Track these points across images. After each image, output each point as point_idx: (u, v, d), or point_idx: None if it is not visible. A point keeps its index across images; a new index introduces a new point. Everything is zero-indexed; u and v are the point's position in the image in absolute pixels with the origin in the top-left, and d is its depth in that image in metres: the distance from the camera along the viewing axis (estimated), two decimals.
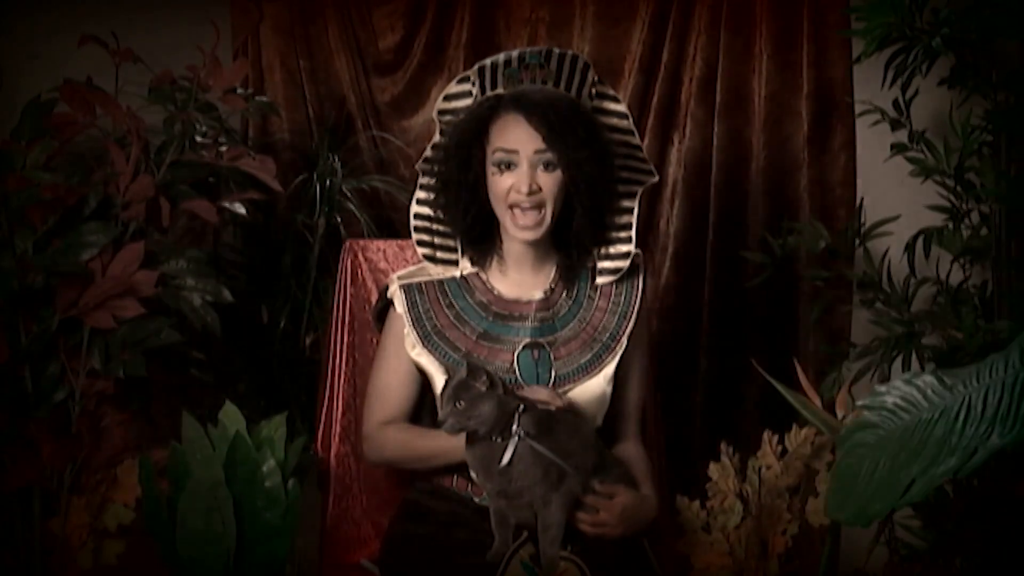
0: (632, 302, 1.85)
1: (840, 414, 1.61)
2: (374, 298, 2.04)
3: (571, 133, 1.71)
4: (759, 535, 1.66)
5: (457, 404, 1.60)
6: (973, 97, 2.15)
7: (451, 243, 1.85)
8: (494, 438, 1.62)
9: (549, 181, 1.73)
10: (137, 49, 1.96)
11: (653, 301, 2.54)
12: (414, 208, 1.85)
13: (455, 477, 1.80)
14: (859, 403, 1.21)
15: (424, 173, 1.84)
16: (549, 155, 1.72)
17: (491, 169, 1.75)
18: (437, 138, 1.81)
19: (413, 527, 1.78)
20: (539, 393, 1.70)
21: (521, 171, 1.72)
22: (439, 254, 1.85)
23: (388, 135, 2.58)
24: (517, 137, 1.72)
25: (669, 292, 2.57)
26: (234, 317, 2.12)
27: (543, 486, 1.62)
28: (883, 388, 1.19)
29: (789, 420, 1.69)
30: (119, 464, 1.81)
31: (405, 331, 1.82)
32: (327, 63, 2.58)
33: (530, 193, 1.72)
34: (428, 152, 1.83)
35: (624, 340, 1.82)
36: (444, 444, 1.69)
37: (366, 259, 2.09)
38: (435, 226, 1.84)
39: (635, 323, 1.84)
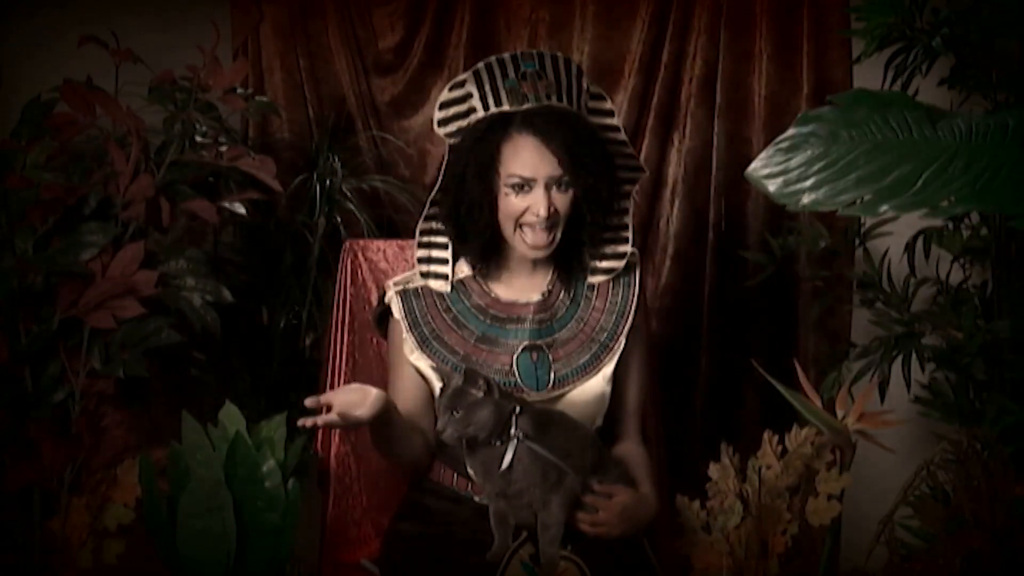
0: (629, 301, 1.85)
1: (840, 414, 1.61)
2: (374, 298, 2.04)
3: (586, 156, 1.71)
4: (759, 535, 1.66)
5: (454, 412, 1.60)
6: (973, 97, 2.15)
7: (444, 255, 1.84)
8: (493, 442, 1.62)
9: (563, 201, 1.74)
10: (137, 49, 1.96)
11: (653, 301, 2.54)
12: (421, 225, 1.84)
13: (455, 476, 1.80)
14: (829, 97, 1.15)
15: (439, 192, 1.82)
16: (565, 178, 1.72)
17: (504, 190, 1.74)
18: (447, 156, 1.79)
19: (413, 527, 1.78)
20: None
21: (537, 195, 1.72)
22: (433, 268, 1.84)
23: (388, 135, 2.58)
24: (534, 163, 1.71)
25: (669, 292, 2.57)
26: (234, 317, 2.12)
27: (543, 487, 1.62)
28: (865, 91, 1.13)
29: (789, 420, 1.69)
30: (119, 464, 1.81)
31: (403, 336, 1.82)
32: (327, 63, 2.58)
33: (548, 216, 1.72)
34: (442, 172, 1.80)
35: (622, 339, 1.82)
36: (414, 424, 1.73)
37: (366, 259, 2.09)
38: (435, 239, 1.84)
39: (633, 322, 1.84)
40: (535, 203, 1.72)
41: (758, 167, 1.13)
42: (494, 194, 1.75)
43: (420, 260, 1.84)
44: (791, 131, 1.14)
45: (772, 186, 1.11)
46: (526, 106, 1.71)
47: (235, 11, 2.53)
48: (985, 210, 1.06)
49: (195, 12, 2.38)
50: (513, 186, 1.73)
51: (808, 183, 1.09)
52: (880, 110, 1.13)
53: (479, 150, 1.73)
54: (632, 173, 1.85)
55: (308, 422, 1.57)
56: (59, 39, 2.12)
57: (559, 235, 1.76)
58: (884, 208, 1.04)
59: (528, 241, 1.75)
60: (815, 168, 1.09)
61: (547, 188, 1.72)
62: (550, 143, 1.70)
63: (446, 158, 1.80)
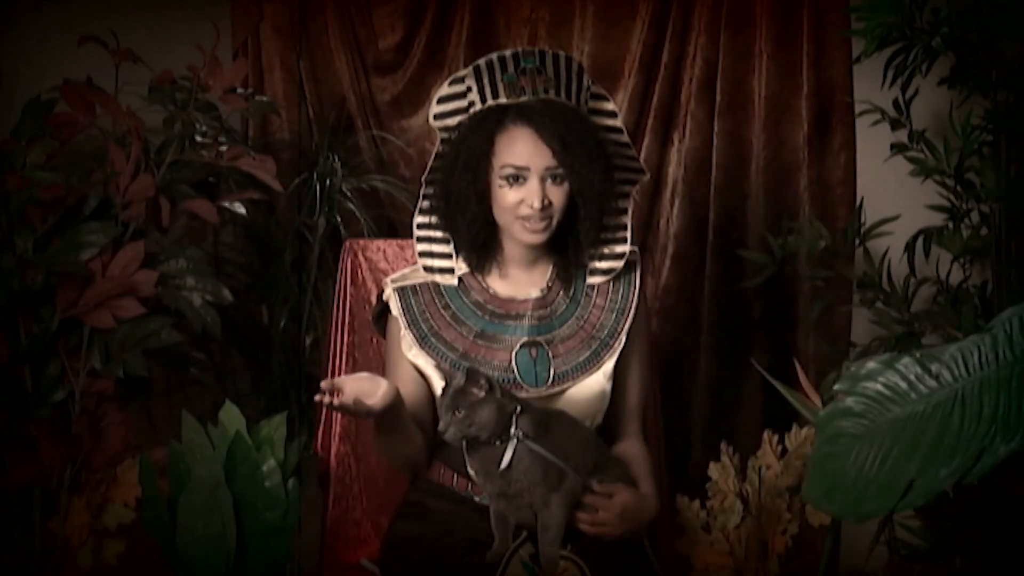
0: (629, 299, 1.85)
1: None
2: (374, 298, 2.04)
3: (581, 148, 1.71)
4: (759, 535, 1.66)
5: (456, 412, 1.60)
6: (973, 97, 2.15)
7: (447, 249, 1.84)
8: (493, 441, 1.62)
9: (558, 193, 1.73)
10: (137, 49, 1.96)
11: (653, 301, 2.54)
12: (417, 219, 1.85)
13: (455, 476, 1.79)
14: (837, 386, 1.18)
15: (428, 184, 1.83)
16: (559, 169, 1.72)
17: (499, 182, 1.74)
18: (439, 147, 1.80)
19: (413, 527, 1.78)
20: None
21: (532, 186, 1.72)
22: (436, 263, 1.84)
23: (388, 135, 2.57)
24: (528, 153, 1.71)
25: (669, 292, 2.57)
26: (234, 317, 2.12)
27: (543, 487, 1.62)
28: (862, 371, 1.16)
29: (789, 420, 1.69)
30: (119, 464, 1.81)
31: (401, 333, 1.82)
32: (327, 63, 2.58)
33: (542, 208, 1.72)
34: (432, 164, 1.81)
35: (622, 337, 1.82)
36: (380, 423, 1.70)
37: (366, 259, 2.09)
38: (434, 233, 1.84)
39: (633, 320, 1.84)
40: (529, 195, 1.72)
41: (814, 491, 1.16)
42: (484, 185, 1.75)
43: (421, 254, 1.84)
44: (819, 440, 1.17)
45: (837, 508, 1.13)
46: (523, 99, 1.72)
47: (235, 11, 2.53)
48: (1017, 446, 1.07)
49: (195, 12, 2.38)
50: (507, 178, 1.73)
51: (858, 491, 1.11)
52: (880, 379, 1.16)
53: (472, 140, 1.74)
54: (633, 175, 1.85)
55: (324, 399, 1.57)
56: (59, 39, 2.12)
57: (555, 224, 1.75)
58: (942, 481, 1.07)
59: (527, 228, 1.75)
60: (855, 472, 1.11)
61: (541, 180, 1.72)
62: (544, 134, 1.70)
63: (436, 149, 1.80)
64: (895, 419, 1.12)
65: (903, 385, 1.14)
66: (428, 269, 1.84)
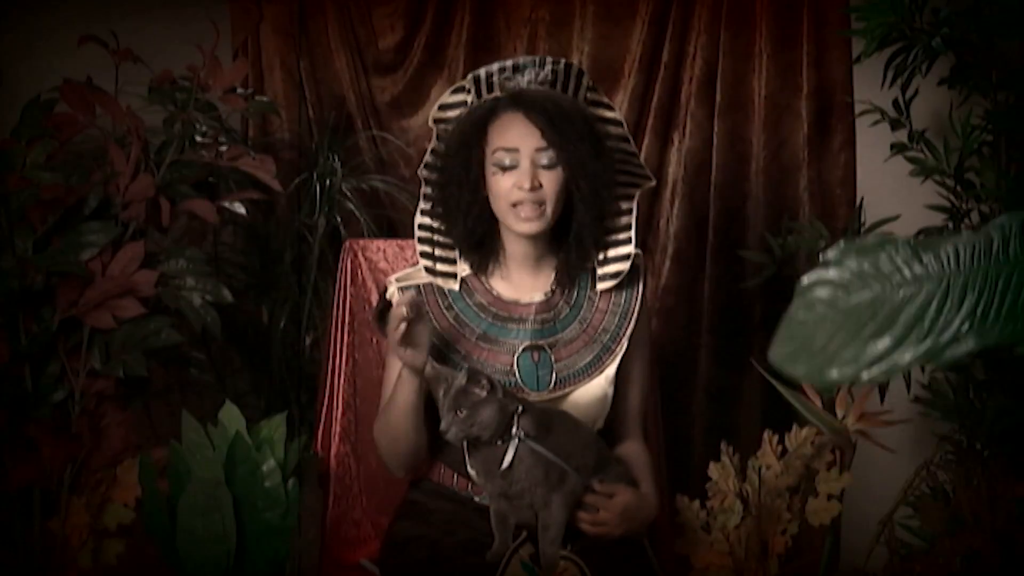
0: (632, 303, 1.85)
1: (840, 414, 1.61)
2: (374, 298, 2.04)
3: (570, 128, 1.71)
4: (759, 535, 1.66)
5: (458, 412, 1.60)
6: (973, 97, 2.15)
7: (450, 254, 1.84)
8: (495, 441, 1.62)
9: (550, 178, 1.73)
10: (137, 49, 1.96)
11: (653, 301, 2.54)
12: (418, 219, 1.85)
13: (455, 477, 1.80)
14: (825, 255, 1.18)
15: (425, 181, 1.84)
16: (550, 152, 1.72)
17: (491, 169, 1.75)
18: (435, 143, 1.81)
19: (413, 527, 1.78)
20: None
21: (522, 169, 1.72)
22: (439, 266, 1.84)
23: (388, 135, 2.58)
24: (517, 134, 1.72)
25: (669, 292, 2.57)
26: (234, 317, 2.12)
27: (544, 487, 1.62)
28: (852, 245, 1.16)
29: (789, 420, 1.69)
30: (119, 464, 1.81)
31: None
32: (327, 63, 2.58)
33: (532, 189, 1.72)
34: (427, 158, 1.83)
35: (625, 341, 1.82)
36: (398, 392, 1.72)
37: (366, 259, 2.09)
38: (436, 236, 1.84)
39: (636, 324, 1.84)
40: (520, 178, 1.72)
41: (780, 351, 1.16)
42: (477, 174, 1.76)
43: (423, 255, 1.84)
44: (795, 303, 1.17)
45: (802, 370, 1.13)
46: (515, 86, 1.74)
47: (235, 11, 2.53)
48: (988, 345, 1.07)
49: (195, 12, 2.38)
50: (499, 164, 1.73)
51: (825, 357, 1.11)
52: (870, 257, 1.16)
53: (466, 130, 1.75)
54: (639, 179, 1.84)
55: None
56: (59, 39, 2.12)
57: (549, 213, 1.75)
58: (905, 363, 1.06)
59: (520, 216, 1.74)
60: (825, 339, 1.11)
61: (533, 164, 1.72)
62: (533, 116, 1.71)
63: (432, 145, 1.81)
64: (875, 297, 1.11)
65: (889, 266, 1.13)
66: (429, 271, 1.84)
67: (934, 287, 1.09)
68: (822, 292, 1.16)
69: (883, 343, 1.07)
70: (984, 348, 1.02)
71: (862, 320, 1.10)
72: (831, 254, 1.18)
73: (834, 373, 1.08)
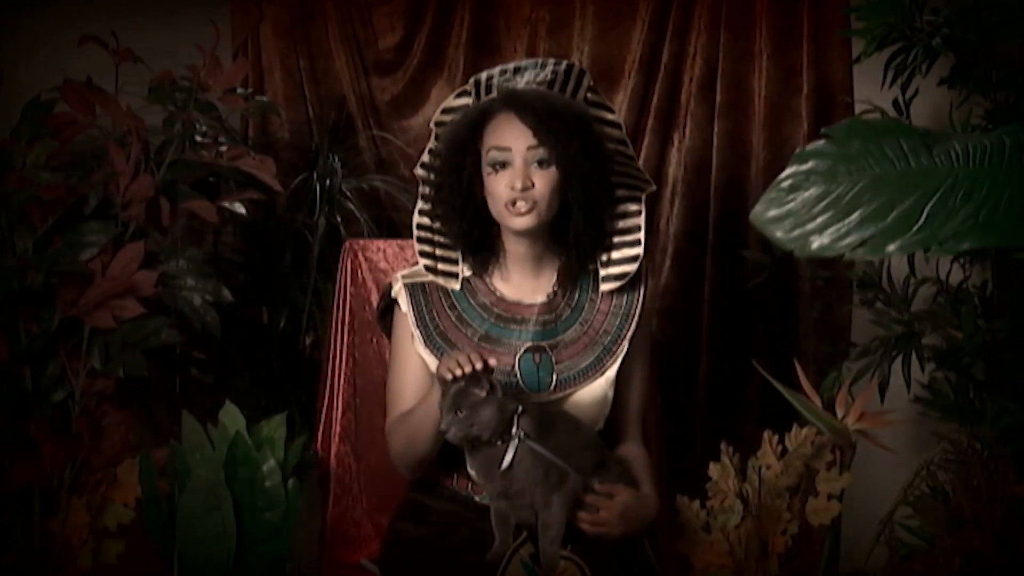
0: (633, 305, 1.85)
1: (840, 414, 1.61)
2: (374, 298, 2.04)
3: (561, 127, 1.71)
4: (759, 535, 1.66)
5: (458, 412, 1.60)
6: (973, 97, 2.15)
7: (452, 254, 1.85)
8: (495, 441, 1.62)
9: (543, 178, 1.73)
10: (137, 49, 1.96)
11: (653, 301, 2.53)
12: (416, 219, 1.85)
13: (455, 476, 1.80)
14: (825, 130, 1.16)
15: (423, 181, 1.84)
16: (542, 151, 1.72)
17: (486, 170, 1.75)
18: (432, 144, 1.82)
19: (413, 527, 1.78)
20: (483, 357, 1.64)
21: (515, 169, 1.73)
22: (440, 266, 1.85)
23: (388, 135, 2.58)
24: (510, 134, 1.73)
25: (669, 292, 2.57)
26: (234, 317, 2.12)
27: (544, 487, 1.62)
28: (865, 124, 1.14)
29: (789, 420, 1.69)
30: (119, 464, 1.81)
31: (411, 330, 1.82)
32: (327, 63, 2.58)
33: (524, 189, 1.72)
34: (425, 157, 1.83)
35: (625, 343, 1.82)
36: (427, 404, 1.69)
37: (366, 259, 2.09)
38: (436, 237, 1.84)
39: (637, 326, 1.84)
40: (512, 177, 1.72)
41: (761, 210, 1.13)
42: (473, 173, 1.76)
43: (422, 254, 1.84)
44: (790, 169, 1.14)
45: (779, 231, 1.10)
46: (510, 86, 1.75)
47: (235, 11, 2.53)
48: (989, 244, 1.05)
49: (195, 12, 2.38)
50: (493, 163, 1.74)
51: (813, 225, 1.09)
52: (876, 140, 1.13)
53: (461, 130, 1.76)
54: (638, 183, 1.84)
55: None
56: (59, 39, 2.12)
57: (544, 211, 1.75)
58: (891, 248, 1.04)
59: (513, 213, 1.74)
60: (818, 209, 1.09)
61: (526, 164, 1.73)
62: (525, 116, 1.72)
63: (430, 145, 1.82)
64: (876, 177, 1.08)
65: (896, 151, 1.11)
66: (430, 270, 1.84)
67: (940, 180, 1.07)
68: (820, 164, 1.13)
69: (877, 225, 1.04)
70: (983, 247, 1.00)
71: (856, 202, 1.08)
72: (837, 129, 1.16)
73: (818, 243, 1.06)
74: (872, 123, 1.14)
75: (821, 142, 1.16)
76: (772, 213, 1.11)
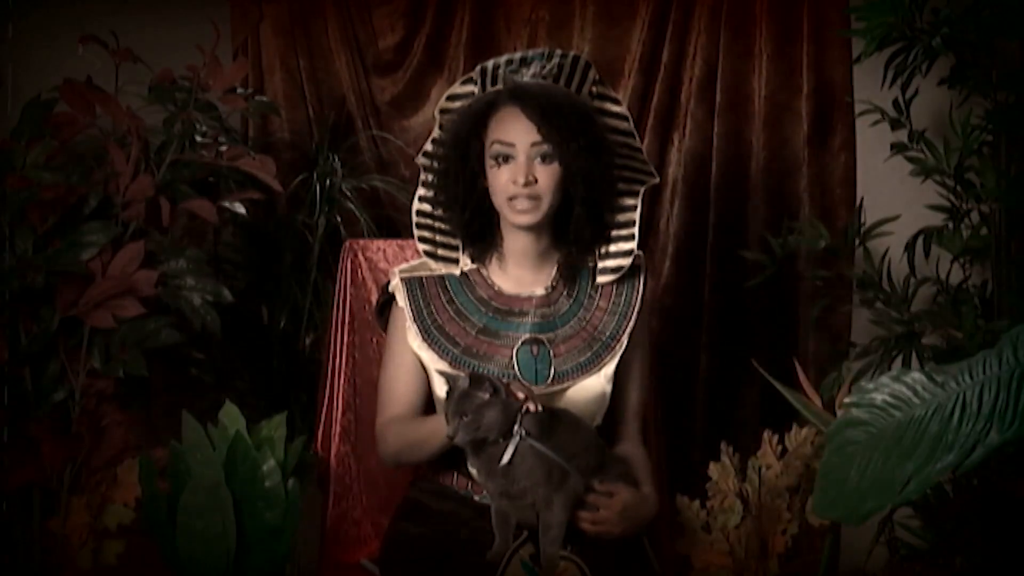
0: (632, 302, 1.85)
1: (840, 414, 1.61)
2: (374, 298, 2.04)
3: (565, 124, 1.71)
4: (759, 535, 1.66)
5: (463, 417, 1.60)
6: (973, 97, 2.15)
7: (453, 241, 1.86)
8: (497, 441, 1.62)
9: (546, 173, 1.74)
10: (137, 49, 1.96)
11: (653, 301, 2.53)
12: (416, 205, 1.86)
13: (455, 476, 1.80)
14: (846, 400, 1.22)
15: (424, 169, 1.85)
16: (545, 147, 1.72)
17: (489, 163, 1.76)
18: (436, 133, 1.82)
19: (413, 527, 1.78)
20: (519, 390, 1.64)
21: (518, 164, 1.73)
22: (440, 251, 1.86)
23: (388, 135, 2.57)
24: (514, 129, 1.73)
25: (669, 292, 2.57)
26: (234, 317, 2.12)
27: (546, 487, 1.62)
28: (871, 385, 1.19)
29: (789, 420, 1.69)
30: (119, 464, 1.81)
31: (407, 325, 1.82)
32: (327, 63, 2.58)
33: (526, 184, 1.72)
34: (428, 147, 1.84)
35: (624, 340, 1.82)
36: (437, 423, 1.69)
37: (366, 259, 2.09)
38: (436, 223, 1.85)
39: (635, 323, 1.84)
40: (515, 172, 1.73)
41: (820, 501, 1.20)
42: (476, 165, 1.77)
43: (422, 240, 1.85)
44: (828, 450, 1.22)
45: (840, 513, 1.19)
46: (517, 80, 1.75)
47: (235, 11, 2.53)
48: (1011, 438, 1.13)
49: (195, 12, 2.38)
50: (496, 157, 1.74)
51: (864, 491, 1.15)
52: (887, 390, 1.21)
53: (466, 121, 1.77)
54: (642, 175, 1.85)
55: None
56: (59, 39, 2.12)
57: (545, 206, 1.75)
58: (938, 471, 1.11)
59: (515, 208, 1.75)
60: (867, 475, 1.15)
61: (529, 159, 1.73)
62: (529, 111, 1.72)
63: (434, 134, 1.83)
64: (898, 423, 1.16)
65: (907, 392, 1.18)
66: (430, 255, 1.85)
67: (950, 401, 1.13)
68: (850, 433, 1.21)
69: (912, 464, 1.11)
70: (1006, 441, 1.06)
71: (890, 448, 1.15)
72: (852, 397, 1.23)
73: (870, 505, 1.13)
74: (879, 382, 1.28)
75: (843, 415, 1.28)
76: (827, 499, 1.21)
